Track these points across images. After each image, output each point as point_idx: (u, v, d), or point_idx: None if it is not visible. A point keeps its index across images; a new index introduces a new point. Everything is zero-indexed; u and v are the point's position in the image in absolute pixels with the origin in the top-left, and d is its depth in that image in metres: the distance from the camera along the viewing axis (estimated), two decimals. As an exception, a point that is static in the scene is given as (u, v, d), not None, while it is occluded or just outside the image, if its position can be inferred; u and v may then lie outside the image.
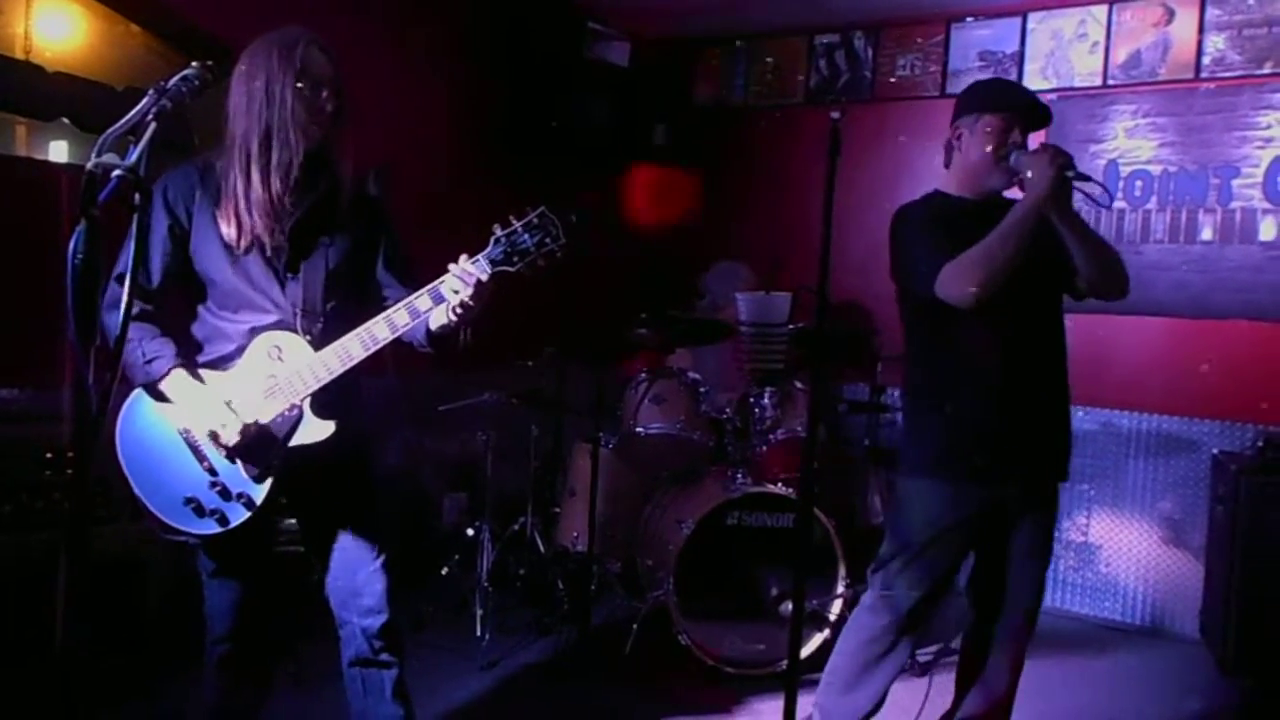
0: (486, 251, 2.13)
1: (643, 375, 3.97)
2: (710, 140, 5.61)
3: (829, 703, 2.68)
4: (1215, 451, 4.18)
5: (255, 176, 2.12)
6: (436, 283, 2.14)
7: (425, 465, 4.49)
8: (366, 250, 2.35)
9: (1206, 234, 4.33)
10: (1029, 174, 2.43)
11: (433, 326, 2.22)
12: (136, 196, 1.69)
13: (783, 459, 3.93)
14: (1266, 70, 4.20)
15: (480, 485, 4.06)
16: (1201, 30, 4.33)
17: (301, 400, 2.17)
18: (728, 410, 3.97)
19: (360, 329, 2.16)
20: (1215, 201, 4.31)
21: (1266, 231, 4.21)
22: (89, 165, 1.60)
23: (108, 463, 2.92)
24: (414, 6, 4.51)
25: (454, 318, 2.16)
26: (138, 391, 2.21)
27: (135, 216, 1.70)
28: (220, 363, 2.21)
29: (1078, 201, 2.54)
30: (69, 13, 3.64)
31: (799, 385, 4.01)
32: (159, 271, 2.19)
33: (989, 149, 2.53)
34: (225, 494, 2.17)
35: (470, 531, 4.08)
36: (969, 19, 4.87)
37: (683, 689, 3.55)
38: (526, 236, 2.13)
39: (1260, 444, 3.74)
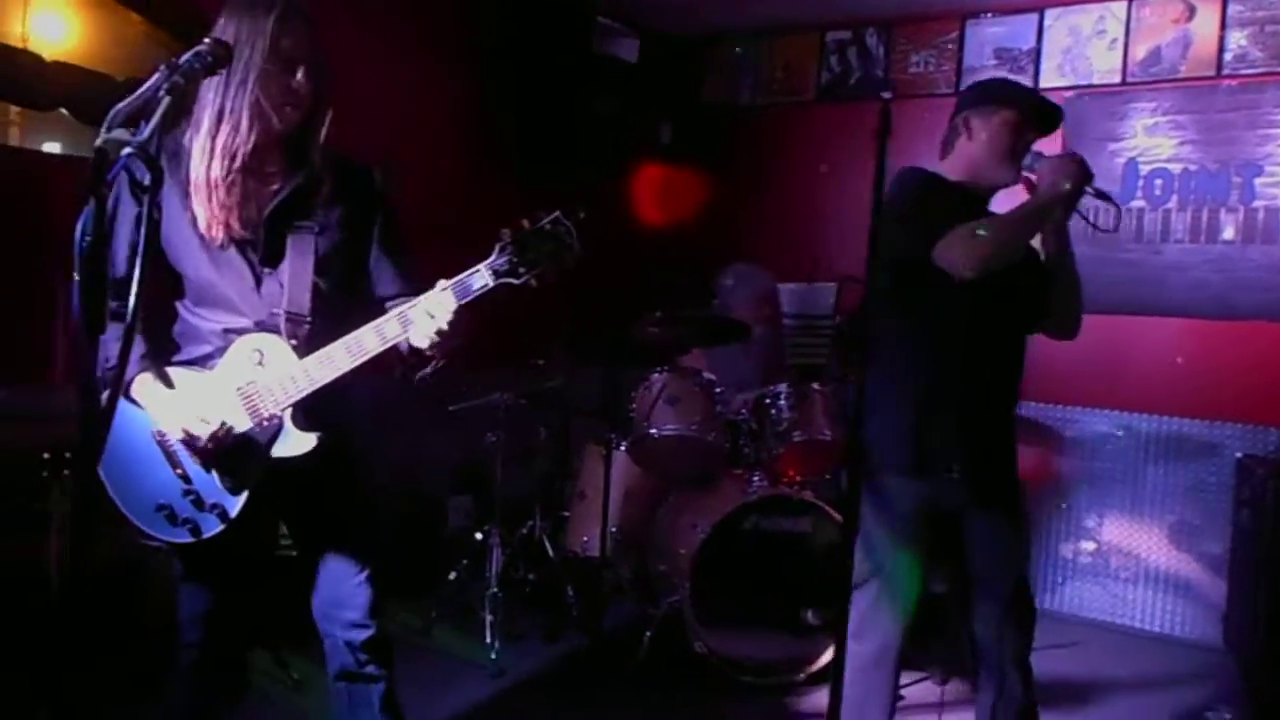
0: (490, 260, 1.93)
1: (656, 375, 3.86)
2: (717, 138, 5.52)
3: None
4: (1239, 455, 4.10)
5: (201, 158, 1.96)
6: (406, 307, 1.97)
7: (430, 467, 4.38)
8: (359, 239, 2.17)
9: (1228, 233, 4.25)
10: (1048, 173, 2.37)
11: (415, 344, 2.02)
12: (148, 176, 1.60)
13: (800, 462, 3.83)
14: (1290, 67, 4.13)
15: (489, 488, 3.95)
16: (1223, 27, 4.26)
17: (282, 410, 2.01)
18: (744, 411, 3.87)
19: (349, 337, 1.99)
20: (1237, 200, 4.23)
21: (1290, 231, 4.13)
22: (98, 141, 1.50)
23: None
24: (419, -1, 4.42)
25: (428, 348, 1.98)
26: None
27: (146, 198, 1.61)
28: (197, 364, 2.08)
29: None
30: (67, 2, 3.53)
31: (815, 387, 3.90)
32: (124, 262, 1.98)
33: (1004, 143, 2.47)
34: (199, 504, 2.04)
35: (479, 536, 3.97)
36: (984, 15, 4.79)
37: (698, 699, 3.45)
38: (537, 243, 1.92)
39: (1289, 447, 3.66)
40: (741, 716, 3.36)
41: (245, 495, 2.05)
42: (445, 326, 1.96)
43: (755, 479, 3.69)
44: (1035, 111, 2.52)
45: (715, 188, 5.43)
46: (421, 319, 1.96)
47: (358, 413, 2.24)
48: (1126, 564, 4.48)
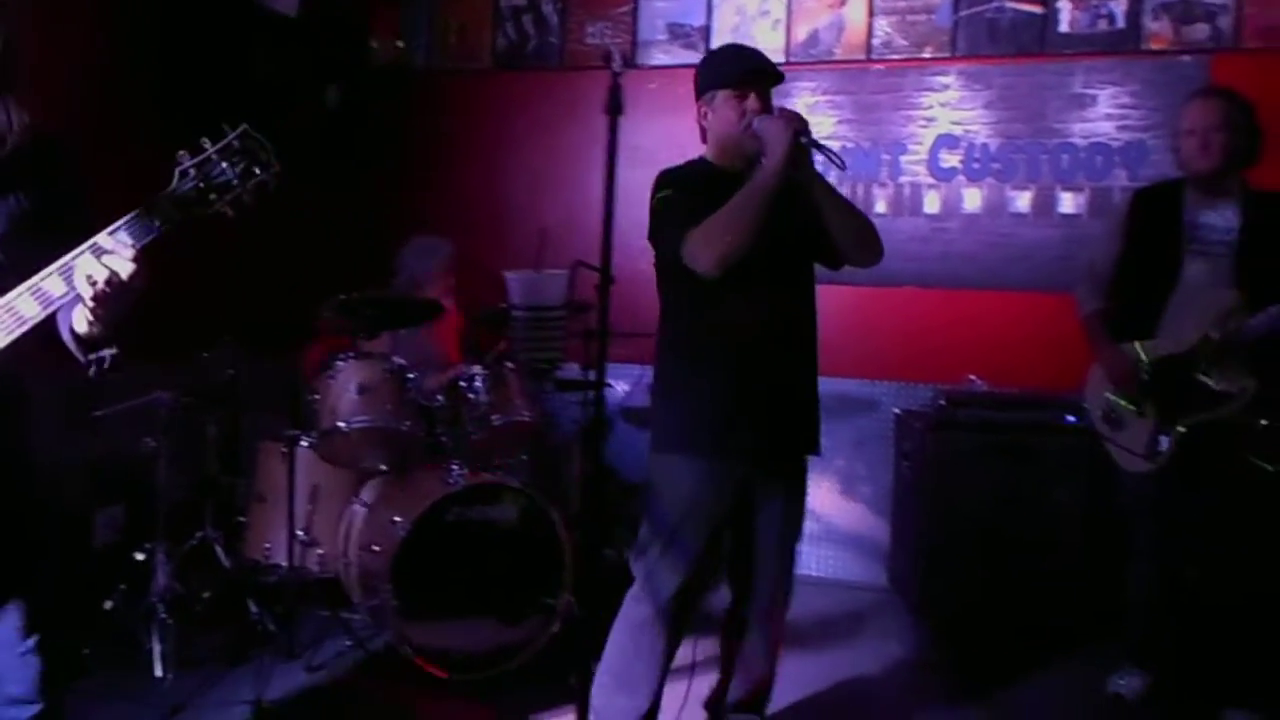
0: (171, 188, 1.65)
1: (341, 364, 3.55)
2: (391, 104, 5.20)
3: (603, 703, 2.54)
4: (897, 410, 4.48)
5: None
6: (69, 256, 1.60)
7: (74, 480, 3.78)
8: (46, 215, 1.77)
9: (881, 207, 4.61)
10: (766, 139, 2.44)
11: (77, 329, 1.67)
12: None
13: (500, 445, 3.70)
14: (927, 54, 4.52)
15: (150, 498, 3.47)
16: (871, 14, 4.58)
17: None
18: (439, 397, 3.67)
19: None
20: (887, 176, 4.60)
21: (931, 205, 4.55)
22: None
23: None
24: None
25: (90, 317, 1.63)
26: None
27: None
28: None
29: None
30: None
31: (510, 366, 3.79)
32: None
33: (733, 118, 2.54)
34: None
35: (140, 555, 3.48)
36: (656, -11, 4.84)
37: (408, 703, 3.25)
38: (225, 165, 1.68)
39: (942, 401, 4.03)
40: (458, 713, 3.20)
41: None
42: (123, 275, 1.58)
43: (455, 467, 3.51)
44: (747, 78, 2.57)
45: (391, 157, 5.13)
46: (91, 267, 1.58)
47: (15, 424, 1.78)
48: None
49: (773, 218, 2.39)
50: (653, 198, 2.54)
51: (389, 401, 3.52)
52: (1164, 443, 3.09)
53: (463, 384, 3.66)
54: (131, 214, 1.63)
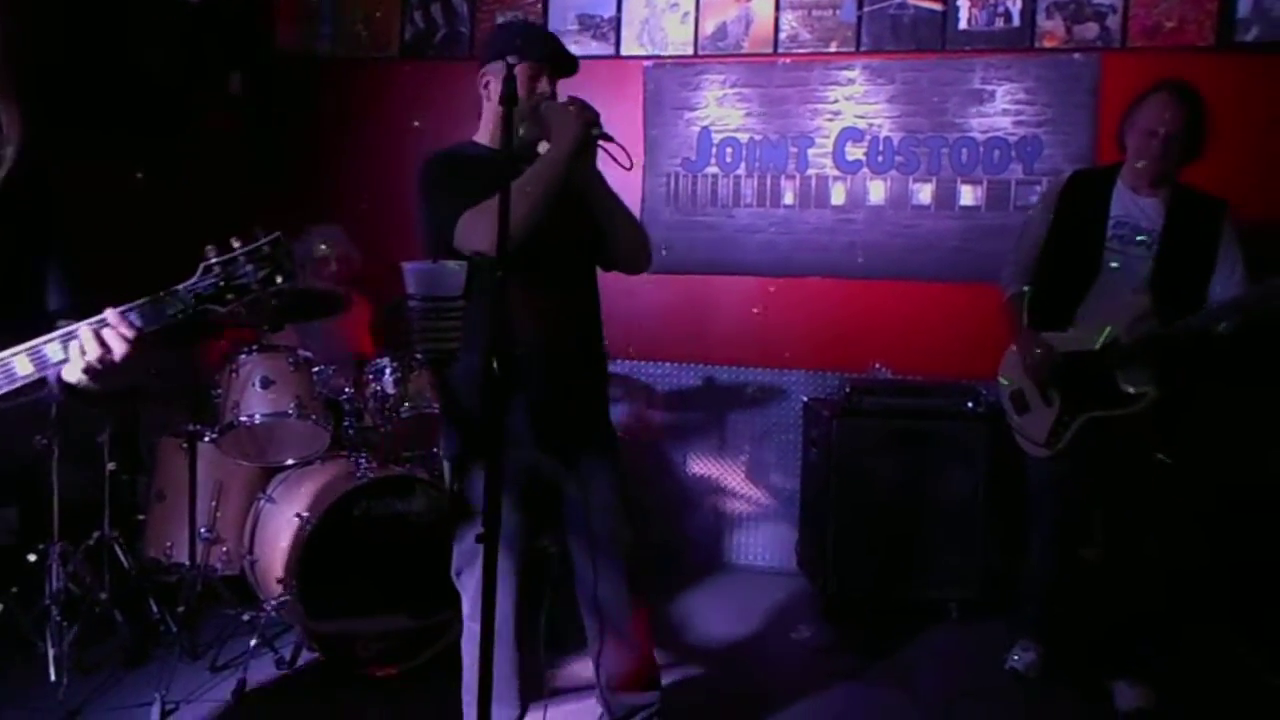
0: (191, 281, 1.68)
1: (244, 356, 3.48)
2: (295, 92, 5.10)
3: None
4: (805, 398, 4.56)
5: None
6: (73, 327, 1.63)
7: None
8: (25, 241, 1.78)
9: (788, 198, 4.68)
10: (554, 126, 2.36)
11: (67, 378, 1.68)
12: None
13: (409, 437, 3.67)
14: (833, 49, 4.60)
15: (43, 498, 3.36)
16: (778, 9, 4.64)
17: None
18: (347, 390, 3.62)
19: None
20: (795, 168, 4.67)
21: (837, 196, 4.63)
22: None
23: None
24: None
25: (84, 380, 1.64)
26: None
27: None
28: None
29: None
30: None
31: (419, 358, 3.75)
32: None
33: (520, 97, 2.39)
34: None
35: (32, 556, 3.36)
36: (567, -20, 4.83)
37: (317, 701, 3.21)
38: (250, 268, 1.71)
39: (847, 389, 4.12)
40: (367, 709, 3.17)
41: None
42: (116, 356, 1.62)
43: (362, 461, 3.47)
44: (546, 58, 2.47)
45: (293, 146, 5.04)
46: (88, 343, 1.61)
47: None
48: (714, 503, 4.83)
49: (556, 211, 2.33)
50: (418, 185, 2.43)
51: (294, 395, 3.46)
52: (1064, 432, 3.20)
53: (370, 376, 3.61)
54: (146, 299, 1.66)
